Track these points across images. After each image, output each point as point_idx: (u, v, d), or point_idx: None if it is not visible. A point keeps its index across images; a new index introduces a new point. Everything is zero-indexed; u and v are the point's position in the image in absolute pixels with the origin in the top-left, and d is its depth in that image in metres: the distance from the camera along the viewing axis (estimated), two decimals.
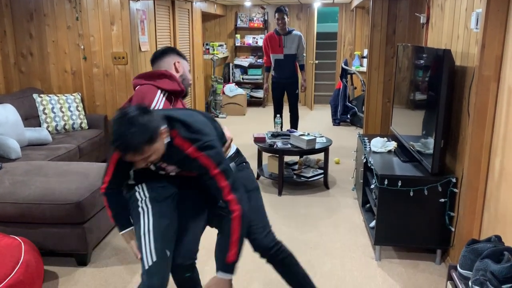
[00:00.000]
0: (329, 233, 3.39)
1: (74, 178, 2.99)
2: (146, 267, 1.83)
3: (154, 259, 1.84)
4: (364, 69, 7.57)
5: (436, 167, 2.72)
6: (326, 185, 4.36)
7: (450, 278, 1.63)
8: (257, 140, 4.35)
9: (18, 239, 2.67)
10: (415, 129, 3.15)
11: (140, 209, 1.92)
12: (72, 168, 3.19)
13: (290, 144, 4.19)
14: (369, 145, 3.55)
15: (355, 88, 7.49)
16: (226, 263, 1.83)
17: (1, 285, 2.30)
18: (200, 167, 1.79)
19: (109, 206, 2.01)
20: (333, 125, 7.39)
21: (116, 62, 4.87)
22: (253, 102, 9.35)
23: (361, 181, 3.55)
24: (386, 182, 2.81)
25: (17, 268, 2.43)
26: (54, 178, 2.98)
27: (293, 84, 5.62)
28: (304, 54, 5.69)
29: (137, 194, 1.95)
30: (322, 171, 4.41)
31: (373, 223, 3.18)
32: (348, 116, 7.28)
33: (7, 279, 2.34)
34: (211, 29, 9.29)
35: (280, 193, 4.17)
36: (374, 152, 3.39)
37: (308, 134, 4.37)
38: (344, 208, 3.88)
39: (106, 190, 1.98)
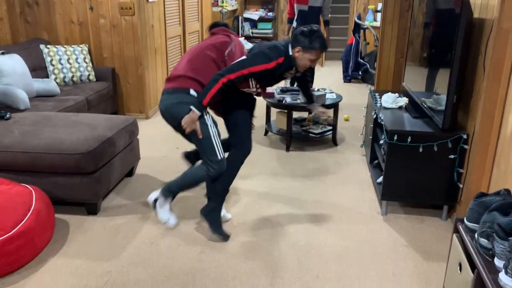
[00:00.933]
0: (336, 189, 3.40)
1: (82, 128, 3.00)
2: (219, 158, 2.60)
3: (222, 156, 2.62)
4: (378, 24, 7.35)
5: (447, 122, 2.67)
6: (334, 142, 4.34)
7: (456, 231, 1.63)
8: (266, 95, 4.30)
9: (29, 187, 2.72)
10: (428, 85, 3.08)
11: (208, 125, 2.60)
12: (81, 119, 3.19)
13: (300, 99, 4.14)
14: (380, 100, 3.50)
15: (368, 43, 7.31)
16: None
17: (13, 231, 2.36)
18: None
19: (217, 93, 2.49)
20: (344, 82, 7.28)
21: (123, 12, 4.77)
22: None
23: (370, 137, 3.52)
24: (395, 138, 2.78)
25: (28, 214, 2.49)
26: (62, 129, 2.98)
27: None
28: (330, 9, 5.37)
29: (205, 118, 2.60)
30: (331, 127, 4.38)
31: (380, 179, 3.18)
32: (360, 73, 7.15)
33: (19, 226, 2.40)
34: None
35: (287, 149, 4.16)
36: (385, 108, 3.34)
37: (318, 90, 4.31)
38: (352, 164, 3.88)
39: (224, 83, 2.48)
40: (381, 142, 2.94)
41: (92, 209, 2.97)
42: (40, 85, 4.18)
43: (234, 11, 8.96)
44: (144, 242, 2.67)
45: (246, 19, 8.90)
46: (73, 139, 2.83)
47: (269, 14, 8.85)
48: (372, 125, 3.47)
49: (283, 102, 4.09)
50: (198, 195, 3.26)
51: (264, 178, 3.55)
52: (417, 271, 2.42)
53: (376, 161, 3.51)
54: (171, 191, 2.68)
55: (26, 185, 2.74)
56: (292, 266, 2.44)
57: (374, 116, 3.33)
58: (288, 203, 3.16)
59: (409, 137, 2.77)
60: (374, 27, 7.10)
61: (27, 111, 3.66)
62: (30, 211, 2.52)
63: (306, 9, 5.10)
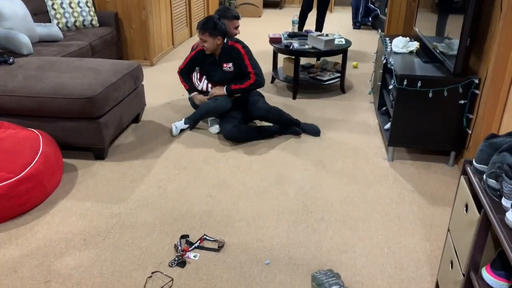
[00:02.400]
0: (343, 135, 3.39)
1: (87, 73, 2.96)
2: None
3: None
4: None
5: (459, 66, 2.60)
6: (342, 89, 4.28)
7: (464, 173, 1.61)
8: (273, 40, 4.20)
9: (36, 131, 2.72)
10: (440, 29, 2.97)
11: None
12: (85, 64, 3.15)
13: (307, 45, 4.04)
14: (390, 45, 3.40)
15: None
16: (230, 88, 3.35)
17: (23, 173, 2.39)
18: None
19: (183, 80, 3.51)
20: (353, 28, 7.08)
21: None
22: (269, 3, 8.92)
23: (379, 83, 3.46)
24: (405, 83, 2.72)
25: (37, 158, 2.51)
26: (67, 74, 2.95)
27: None
28: None
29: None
30: (339, 74, 4.30)
31: (387, 125, 3.15)
32: (370, 19, 6.93)
33: (28, 168, 2.42)
34: None
35: (294, 97, 4.11)
36: (395, 53, 3.25)
37: (326, 35, 4.19)
38: (359, 111, 3.84)
39: (180, 71, 3.51)
40: (390, 87, 2.89)
41: (99, 154, 2.99)
42: (42, 29, 4.09)
43: None
44: (151, 186, 2.70)
45: None
46: (78, 83, 2.80)
47: None
48: (381, 71, 3.40)
49: (290, 47, 3.99)
50: (204, 146, 3.27)
51: (268, 126, 3.53)
52: (421, 214, 2.44)
53: (384, 108, 3.47)
54: (189, 118, 3.39)
55: (33, 130, 2.75)
56: (298, 209, 2.47)
57: (384, 61, 3.25)
58: (294, 149, 3.16)
59: (419, 82, 2.71)
60: None
61: (31, 56, 3.60)
62: (38, 155, 2.54)
63: None
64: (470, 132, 2.75)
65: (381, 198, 2.59)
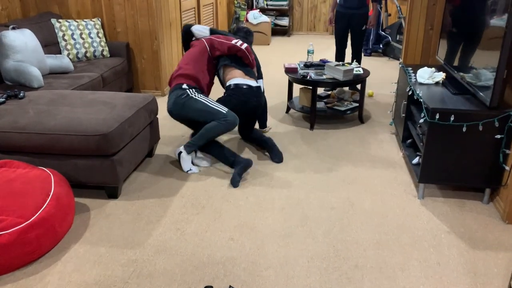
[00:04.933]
0: (367, 169, 3.22)
1: (100, 108, 2.83)
2: (224, 111, 3.15)
3: (226, 109, 3.17)
4: None
5: (496, 100, 2.46)
6: (361, 119, 4.14)
7: None
8: (289, 70, 4.09)
9: (47, 170, 2.58)
10: (467, 58, 2.84)
11: (197, 97, 3.21)
12: (98, 97, 3.02)
13: (325, 75, 3.92)
14: (414, 75, 3.27)
15: (390, 15, 6.98)
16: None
17: (33, 218, 2.23)
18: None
19: None
20: (364, 55, 6.99)
21: None
22: (278, 31, 8.90)
23: (403, 115, 3.31)
24: (437, 117, 2.57)
25: (48, 200, 2.35)
26: (80, 108, 2.82)
27: (360, 17, 4.62)
28: None
29: (188, 92, 3.24)
30: (357, 104, 4.17)
31: (416, 160, 2.99)
32: (381, 46, 6.86)
33: (39, 212, 2.27)
34: None
35: (312, 127, 3.97)
36: (420, 84, 3.12)
37: (343, 64, 4.08)
38: (381, 143, 3.68)
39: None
40: (421, 121, 2.74)
41: (112, 193, 2.83)
42: (53, 61, 4.00)
43: None
44: (169, 228, 2.53)
45: None
46: (92, 119, 2.66)
47: None
48: (405, 102, 3.26)
49: (307, 77, 3.87)
50: (218, 185, 3.11)
51: (289, 160, 3.38)
52: (463, 260, 2.25)
53: (409, 141, 3.31)
54: (193, 144, 3.17)
55: (44, 168, 2.60)
56: (328, 254, 2.29)
57: (410, 92, 3.11)
58: (318, 186, 2.99)
59: (452, 115, 2.56)
60: None
61: (41, 89, 3.49)
62: (50, 196, 2.38)
63: None
64: (507, 168, 2.59)
65: (416, 241, 2.40)
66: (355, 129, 3.99)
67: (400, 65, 3.64)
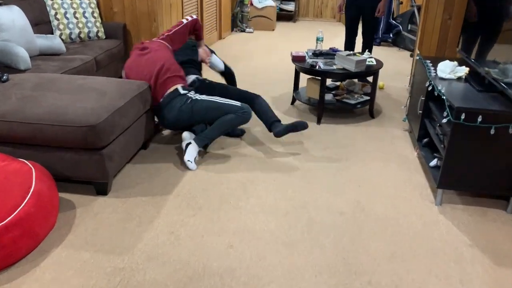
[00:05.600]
0: (378, 169, 2.98)
1: (90, 95, 2.56)
2: (239, 104, 3.01)
3: (239, 102, 3.04)
4: None
5: None
6: (371, 114, 3.87)
7: None
8: (296, 59, 3.81)
9: (29, 163, 2.32)
10: (495, 51, 2.58)
11: (203, 98, 3.00)
12: (88, 83, 2.76)
13: (335, 65, 3.65)
14: (434, 69, 3.00)
15: (401, 2, 6.67)
16: None
17: (9, 218, 1.98)
18: None
19: None
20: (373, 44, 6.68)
21: None
22: (283, 16, 8.58)
23: (420, 112, 3.06)
24: (463, 117, 2.32)
25: (27, 198, 2.11)
26: (67, 95, 2.55)
27: (372, 3, 4.34)
28: None
29: (189, 95, 3.01)
30: (368, 97, 3.90)
31: (434, 162, 2.74)
32: (391, 35, 6.56)
33: (17, 211, 2.02)
34: None
35: (319, 121, 3.71)
36: (441, 79, 2.85)
37: (354, 54, 3.80)
38: (393, 140, 3.43)
39: None
40: (444, 121, 2.48)
41: (101, 189, 2.58)
42: (43, 41, 3.72)
43: None
44: (162, 231, 2.29)
45: None
46: (79, 108, 2.40)
47: None
48: (423, 98, 3.00)
49: (316, 67, 3.60)
50: (222, 185, 2.86)
51: (294, 156, 3.13)
52: (488, 278, 2.02)
53: (426, 140, 3.06)
54: (206, 137, 3.00)
55: (25, 161, 2.35)
56: (338, 268, 2.06)
57: (430, 88, 2.85)
58: (325, 187, 2.75)
59: (480, 116, 2.30)
60: None
61: (28, 72, 3.22)
62: (30, 193, 2.13)
63: None
64: None
65: (436, 255, 2.17)
66: (365, 124, 3.73)
67: (417, 57, 3.37)
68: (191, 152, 2.93)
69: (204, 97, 3.01)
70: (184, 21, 3.31)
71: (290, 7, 8.39)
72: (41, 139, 2.39)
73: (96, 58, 3.88)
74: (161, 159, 3.03)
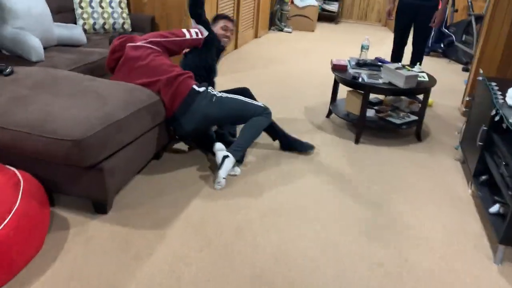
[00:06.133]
0: (426, 208, 2.52)
1: (89, 101, 2.21)
2: (261, 104, 2.77)
3: (261, 103, 2.79)
4: None
5: None
6: (418, 137, 3.39)
7: None
8: (337, 68, 3.37)
9: (18, 174, 2.01)
10: None
11: (225, 95, 2.72)
12: (95, 85, 2.41)
13: (381, 78, 3.19)
14: (501, 94, 2.51)
15: (456, 10, 6.08)
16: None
17: None
18: None
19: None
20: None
21: None
22: (324, 17, 8.10)
23: (480, 143, 2.57)
24: None
25: (8, 218, 1.79)
26: (63, 99, 2.21)
27: (428, 10, 3.82)
28: None
29: (213, 92, 2.71)
30: (415, 117, 3.42)
31: (495, 208, 2.26)
32: (442, 46, 5.99)
33: None
34: None
35: (357, 141, 3.27)
36: (511, 107, 2.36)
37: (403, 66, 3.33)
38: (444, 172, 2.95)
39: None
40: None
41: (100, 207, 2.25)
42: (62, 31, 3.43)
43: None
44: (161, 269, 1.92)
45: None
46: (69, 116, 2.04)
47: None
48: (485, 128, 2.51)
49: (359, 79, 3.15)
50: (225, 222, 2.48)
51: (326, 183, 2.71)
52: None
53: (484, 177, 2.57)
54: (242, 147, 2.69)
55: (15, 171, 2.03)
56: None
57: (496, 117, 2.36)
58: (361, 228, 2.31)
59: None
60: None
61: (38, 65, 2.93)
62: (12, 213, 1.82)
63: None
64: None
65: None
66: (411, 148, 3.26)
67: (480, 78, 2.87)
68: (228, 167, 2.58)
69: (226, 94, 2.74)
70: (187, 34, 2.85)
71: (333, 7, 7.90)
72: (21, 150, 2.05)
73: None
74: (173, 172, 2.68)
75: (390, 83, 3.13)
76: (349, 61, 3.50)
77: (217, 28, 3.03)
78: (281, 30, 7.10)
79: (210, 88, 2.73)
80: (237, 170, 2.71)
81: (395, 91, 3.10)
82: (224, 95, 2.72)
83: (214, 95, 2.68)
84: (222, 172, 2.55)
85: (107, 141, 2.04)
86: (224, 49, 3.15)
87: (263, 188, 2.60)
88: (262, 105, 2.79)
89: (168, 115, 2.62)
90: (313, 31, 7.26)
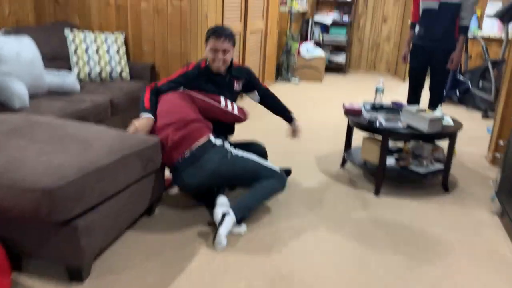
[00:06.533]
0: (464, 272, 2.10)
1: (70, 147, 1.91)
2: (278, 170, 2.48)
3: (276, 167, 2.51)
4: (485, 32, 5.94)
5: None
6: (445, 187, 3.01)
7: None
8: (350, 112, 3.07)
9: None
10: None
11: (240, 154, 2.44)
12: (80, 131, 2.12)
13: (401, 122, 2.87)
14: None
15: (470, 57, 5.87)
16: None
17: None
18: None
19: (150, 98, 2.47)
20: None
21: None
22: (332, 68, 7.95)
23: None
24: None
25: None
26: (39, 145, 1.91)
27: (444, 52, 3.53)
28: (474, 9, 3.43)
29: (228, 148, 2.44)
30: (440, 165, 3.06)
31: None
32: (457, 93, 5.72)
33: None
34: None
35: (377, 192, 2.89)
36: None
37: (424, 110, 3.01)
38: (480, 228, 2.54)
39: (156, 88, 2.55)
40: None
41: (75, 274, 1.87)
42: (53, 78, 3.20)
43: (304, 14, 7.82)
44: None
45: (317, 23, 7.70)
46: (42, 163, 1.72)
47: (344, 18, 7.61)
48: None
49: (376, 123, 2.83)
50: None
51: (343, 241, 2.31)
52: None
53: None
54: (247, 209, 2.34)
55: None
56: None
57: None
58: None
59: None
60: (485, 39, 5.68)
61: (21, 113, 2.66)
62: None
63: (436, 6, 3.41)
64: None
65: None
66: (438, 200, 2.87)
67: None
68: (229, 225, 2.22)
69: (242, 153, 2.47)
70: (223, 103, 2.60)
71: (341, 58, 7.78)
72: None
73: (113, 100, 3.30)
74: (166, 230, 2.30)
75: (411, 128, 2.80)
76: (363, 105, 3.20)
77: (206, 52, 2.59)
78: (288, 81, 6.92)
79: (226, 143, 2.47)
80: (242, 228, 2.33)
81: (418, 136, 2.77)
82: (240, 153, 2.45)
83: (230, 152, 2.41)
84: (223, 231, 2.18)
85: (84, 192, 1.70)
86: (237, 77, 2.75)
87: (271, 249, 2.20)
88: (278, 170, 2.49)
89: (169, 161, 2.31)
90: (321, 81, 7.08)
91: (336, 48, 7.90)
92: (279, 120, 4.58)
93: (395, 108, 3.12)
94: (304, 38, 7.70)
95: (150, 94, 2.52)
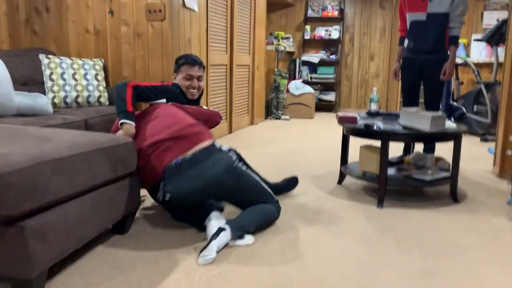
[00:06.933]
0: (487, 277, 1.78)
1: (25, 141, 1.64)
2: (276, 199, 2.32)
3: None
4: (472, 59, 5.90)
5: None
6: (454, 197, 2.73)
7: None
8: (344, 120, 2.84)
9: None
10: None
11: (245, 168, 2.23)
12: (42, 131, 1.85)
13: (400, 124, 2.64)
14: None
15: (462, 83, 5.78)
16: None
17: None
18: None
19: (132, 97, 2.26)
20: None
21: (150, 17, 3.62)
22: (322, 106, 7.86)
23: None
24: None
25: None
26: None
27: (435, 64, 3.34)
28: (463, 19, 3.31)
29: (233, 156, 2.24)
30: (447, 173, 2.79)
31: None
32: (452, 119, 5.56)
33: None
34: (277, 21, 7.99)
35: (381, 203, 2.60)
36: None
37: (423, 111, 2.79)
38: (499, 233, 2.24)
39: (136, 86, 2.31)
40: None
41: None
42: (22, 99, 2.95)
43: (291, 54, 7.83)
44: None
45: (305, 63, 7.68)
46: None
47: (331, 57, 7.61)
48: None
49: (374, 127, 2.60)
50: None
51: (350, 257, 1.99)
52: None
53: None
54: (244, 227, 2.05)
55: None
56: None
57: None
58: None
59: None
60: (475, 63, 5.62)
61: None
62: None
63: (424, 18, 3.28)
64: None
65: None
66: (449, 210, 2.58)
67: None
68: (223, 241, 1.93)
69: (245, 168, 2.26)
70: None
71: (331, 97, 7.70)
72: None
73: (88, 121, 3.06)
74: (143, 252, 1.97)
75: (412, 129, 2.56)
76: (358, 113, 2.98)
77: (179, 79, 2.51)
78: (279, 118, 6.76)
79: (232, 153, 2.30)
80: (250, 239, 2.06)
81: (420, 137, 2.53)
82: (244, 168, 2.22)
83: (237, 163, 2.18)
84: (215, 243, 1.86)
85: (36, 184, 1.40)
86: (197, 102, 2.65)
87: (260, 267, 1.88)
88: (276, 199, 2.32)
89: (153, 173, 2.06)
90: (311, 118, 6.93)
91: (326, 87, 7.84)
92: (271, 150, 4.35)
93: (392, 114, 2.91)
94: (292, 77, 7.65)
95: (132, 94, 2.28)
